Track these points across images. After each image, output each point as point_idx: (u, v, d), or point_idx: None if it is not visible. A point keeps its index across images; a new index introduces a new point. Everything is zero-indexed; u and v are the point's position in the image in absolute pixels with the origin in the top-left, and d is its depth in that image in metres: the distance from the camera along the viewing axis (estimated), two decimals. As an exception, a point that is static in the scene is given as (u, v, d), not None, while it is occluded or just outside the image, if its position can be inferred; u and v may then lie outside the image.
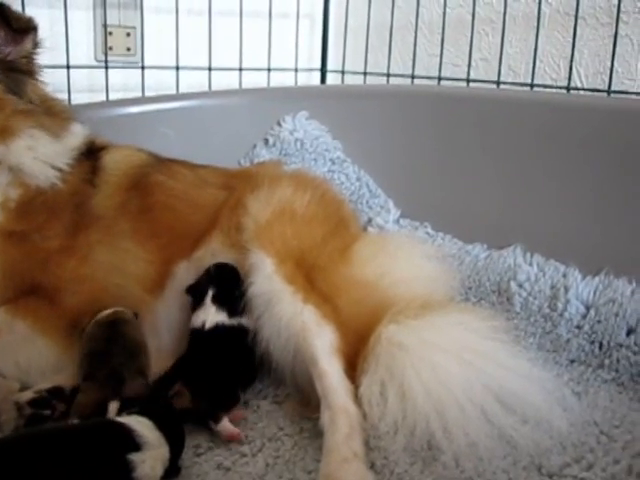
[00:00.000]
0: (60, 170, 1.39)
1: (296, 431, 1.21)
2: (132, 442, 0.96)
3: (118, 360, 1.19)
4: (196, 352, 1.29)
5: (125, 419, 1.01)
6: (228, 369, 1.25)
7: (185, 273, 1.43)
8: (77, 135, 1.48)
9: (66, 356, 1.29)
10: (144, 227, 1.44)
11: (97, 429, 0.99)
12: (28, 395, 1.19)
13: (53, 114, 1.44)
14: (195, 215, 1.51)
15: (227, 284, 1.37)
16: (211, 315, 1.32)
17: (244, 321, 1.34)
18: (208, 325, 1.31)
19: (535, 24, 2.06)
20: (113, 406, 1.11)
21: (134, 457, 0.94)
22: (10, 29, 1.36)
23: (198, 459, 1.12)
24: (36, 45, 1.41)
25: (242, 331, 1.33)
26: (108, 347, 1.22)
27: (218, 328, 1.31)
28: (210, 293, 1.35)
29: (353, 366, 1.21)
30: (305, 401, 1.26)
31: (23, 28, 1.37)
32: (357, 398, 1.16)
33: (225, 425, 1.16)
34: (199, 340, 1.31)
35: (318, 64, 2.83)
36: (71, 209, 1.39)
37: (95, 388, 1.15)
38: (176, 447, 1.03)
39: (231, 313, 1.33)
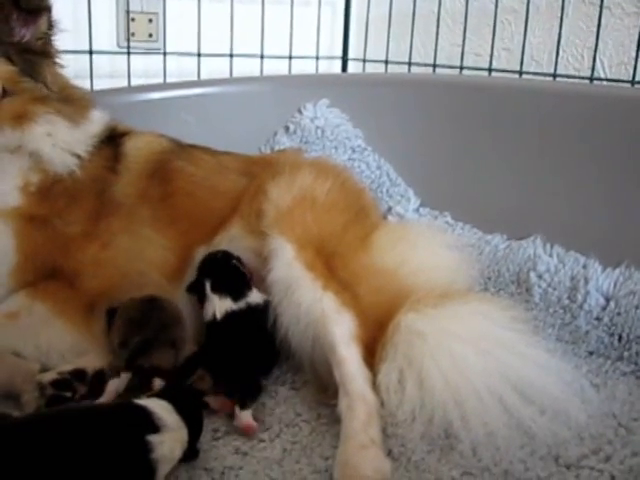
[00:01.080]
0: (79, 157, 1.39)
1: (314, 417, 1.22)
2: (151, 424, 0.97)
3: (151, 331, 1.22)
4: (214, 343, 1.30)
5: (145, 402, 1.02)
6: (248, 355, 1.26)
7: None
8: (97, 122, 1.48)
9: (84, 338, 1.30)
10: (165, 214, 1.45)
11: (118, 411, 1.00)
12: (51, 376, 1.20)
13: (72, 101, 1.44)
14: (215, 201, 1.51)
15: (220, 271, 1.38)
16: (217, 304, 1.33)
17: (252, 299, 1.35)
18: (219, 315, 1.31)
19: (559, 13, 2.04)
20: (123, 377, 1.17)
21: (153, 439, 0.95)
22: (20, 10, 1.35)
23: (216, 443, 1.13)
24: (51, 26, 1.40)
25: (254, 310, 1.34)
26: (144, 317, 1.25)
27: (229, 315, 1.32)
28: (208, 285, 1.36)
29: (372, 353, 1.21)
30: (323, 388, 1.26)
31: (34, 8, 1.36)
32: (375, 385, 1.16)
33: (247, 415, 1.17)
34: (215, 331, 1.32)
35: (339, 52, 2.82)
36: (93, 196, 1.40)
37: (127, 354, 1.19)
38: (195, 430, 1.04)
39: (235, 297, 1.34)
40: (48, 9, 1.39)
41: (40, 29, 1.38)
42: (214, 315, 1.32)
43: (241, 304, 1.34)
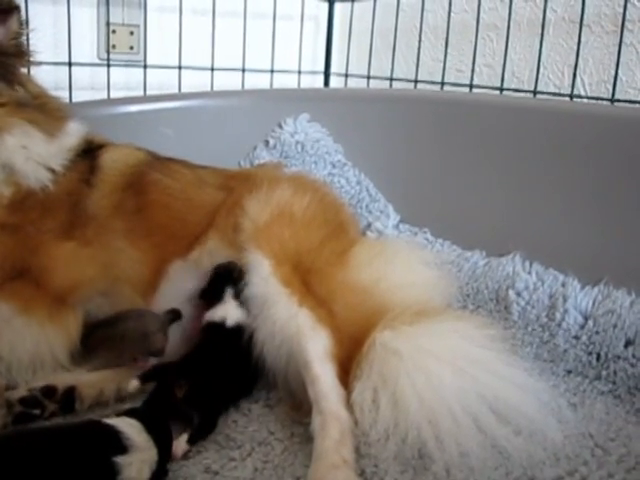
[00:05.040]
0: (54, 172, 1.37)
1: (287, 436, 1.20)
2: (119, 444, 0.95)
3: None
4: (213, 347, 1.28)
5: (113, 421, 1.00)
6: (230, 379, 1.25)
7: (180, 273, 1.42)
8: (73, 135, 1.46)
9: (46, 339, 1.26)
10: (140, 226, 1.43)
11: (83, 430, 0.97)
12: (20, 393, 1.18)
13: (48, 112, 1.41)
14: (192, 215, 1.50)
15: (240, 283, 1.36)
16: (232, 312, 1.32)
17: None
18: (229, 322, 1.30)
19: (540, 31, 2.05)
20: None
21: (120, 460, 0.93)
22: None
23: (186, 462, 1.10)
24: (22, 24, 1.38)
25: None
26: None
27: (239, 326, 1.31)
28: (230, 291, 1.34)
29: (347, 371, 1.19)
30: (297, 405, 1.24)
31: (6, 8, 1.35)
32: (349, 404, 1.14)
33: (180, 442, 1.12)
34: (218, 335, 1.30)
35: (322, 67, 2.82)
36: (67, 209, 1.37)
37: None
38: (164, 450, 1.02)
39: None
40: (17, 8, 1.37)
41: (11, 29, 1.36)
42: (223, 320, 1.30)
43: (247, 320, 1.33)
